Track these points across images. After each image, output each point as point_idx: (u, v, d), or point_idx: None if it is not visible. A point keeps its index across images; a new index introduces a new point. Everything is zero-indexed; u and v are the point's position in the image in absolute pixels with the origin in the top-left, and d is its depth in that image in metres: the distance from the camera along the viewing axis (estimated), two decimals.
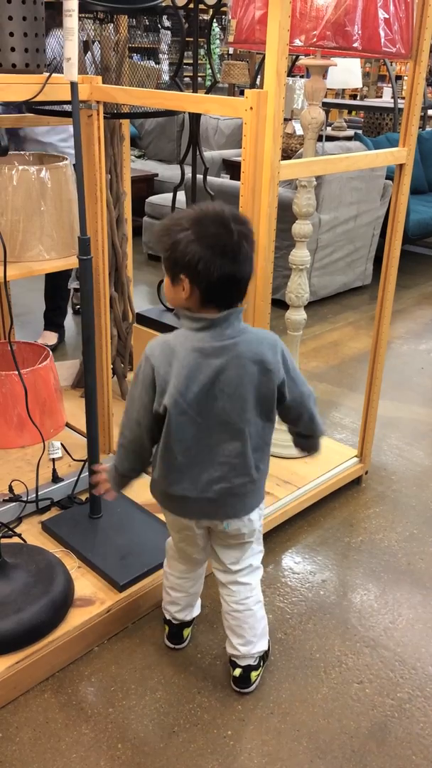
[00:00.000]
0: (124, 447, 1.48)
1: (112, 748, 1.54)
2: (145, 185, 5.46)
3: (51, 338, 3.53)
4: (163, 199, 4.91)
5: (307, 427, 1.52)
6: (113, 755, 1.52)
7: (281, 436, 1.68)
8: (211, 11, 2.11)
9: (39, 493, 2.09)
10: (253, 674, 1.67)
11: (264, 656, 1.71)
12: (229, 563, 1.59)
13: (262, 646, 1.66)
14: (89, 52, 2.26)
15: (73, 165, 1.87)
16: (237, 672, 1.65)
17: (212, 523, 1.52)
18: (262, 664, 1.70)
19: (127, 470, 1.51)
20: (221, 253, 1.27)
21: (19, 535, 1.97)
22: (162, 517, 2.06)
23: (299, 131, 4.34)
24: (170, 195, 2.38)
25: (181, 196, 4.54)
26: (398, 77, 8.17)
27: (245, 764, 1.52)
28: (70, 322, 3.92)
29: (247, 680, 1.66)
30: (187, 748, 1.54)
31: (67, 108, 2.15)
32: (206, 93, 2.38)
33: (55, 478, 2.16)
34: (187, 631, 1.78)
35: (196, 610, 1.79)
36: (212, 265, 1.28)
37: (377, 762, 1.54)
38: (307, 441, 1.56)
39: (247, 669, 1.66)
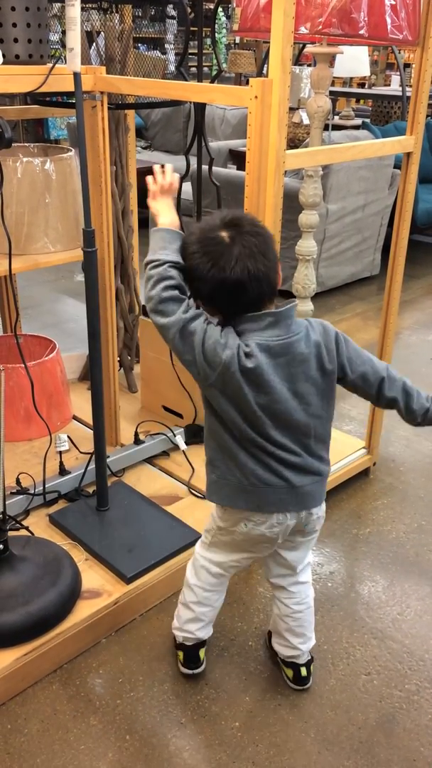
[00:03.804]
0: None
1: (120, 739, 1.54)
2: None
3: None
4: None
5: (391, 394, 1.43)
6: (121, 747, 1.53)
7: None
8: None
9: (46, 486, 2.10)
10: (311, 668, 1.69)
11: None
12: (296, 563, 1.57)
13: (314, 637, 1.68)
14: (94, 43, 2.24)
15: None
16: (303, 671, 1.66)
17: (299, 516, 1.45)
18: None
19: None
20: (205, 257, 1.28)
21: (27, 528, 1.98)
22: (170, 509, 2.07)
23: (306, 120, 4.31)
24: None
25: (187, 186, 4.53)
26: (407, 65, 8.08)
27: (253, 756, 1.52)
28: (78, 314, 3.92)
29: (310, 675, 1.68)
30: (195, 740, 1.55)
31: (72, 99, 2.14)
32: (211, 82, 2.36)
33: (62, 471, 2.16)
34: (202, 652, 1.69)
35: (212, 626, 1.70)
36: (202, 275, 1.28)
37: (385, 753, 1.53)
38: (409, 413, 1.45)
39: (309, 664, 1.67)
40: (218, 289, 1.28)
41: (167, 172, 1.49)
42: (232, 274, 1.25)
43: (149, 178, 1.48)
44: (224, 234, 1.28)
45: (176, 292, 1.32)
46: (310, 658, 1.67)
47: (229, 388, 1.31)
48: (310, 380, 1.36)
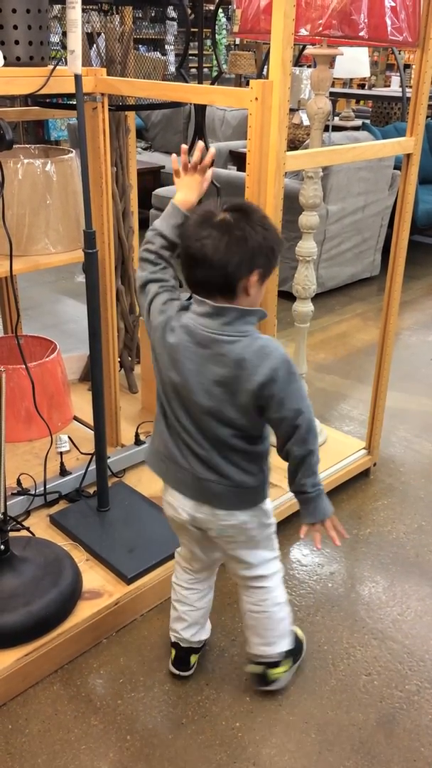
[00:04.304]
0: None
1: (121, 739, 1.54)
2: (152, 177, 5.45)
3: None
4: (170, 191, 4.89)
5: (287, 457, 1.39)
6: (122, 747, 1.53)
7: None
8: (216, 1, 2.10)
9: (47, 487, 2.10)
10: (272, 672, 1.62)
11: (291, 653, 1.65)
12: (237, 569, 1.56)
13: (283, 646, 1.61)
14: (94, 45, 2.25)
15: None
16: (266, 673, 1.63)
17: (201, 510, 1.44)
18: (284, 662, 1.63)
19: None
20: (190, 230, 1.34)
21: (28, 529, 1.98)
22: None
23: (306, 122, 4.32)
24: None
25: None
26: (407, 66, 8.08)
27: (253, 756, 1.52)
28: (79, 315, 3.93)
29: (275, 680, 1.63)
30: (195, 740, 1.55)
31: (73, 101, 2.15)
32: (211, 84, 2.37)
33: (63, 472, 2.16)
34: (194, 658, 1.69)
35: (205, 633, 1.69)
36: (181, 233, 1.40)
37: (385, 753, 1.54)
38: (293, 487, 1.42)
39: (275, 665, 1.62)
40: (182, 252, 1.37)
41: (196, 151, 1.49)
42: (192, 245, 1.31)
43: (174, 156, 1.53)
44: (222, 215, 1.31)
45: (152, 256, 1.45)
46: (276, 660, 1.62)
47: (156, 352, 1.41)
48: (224, 387, 1.32)
